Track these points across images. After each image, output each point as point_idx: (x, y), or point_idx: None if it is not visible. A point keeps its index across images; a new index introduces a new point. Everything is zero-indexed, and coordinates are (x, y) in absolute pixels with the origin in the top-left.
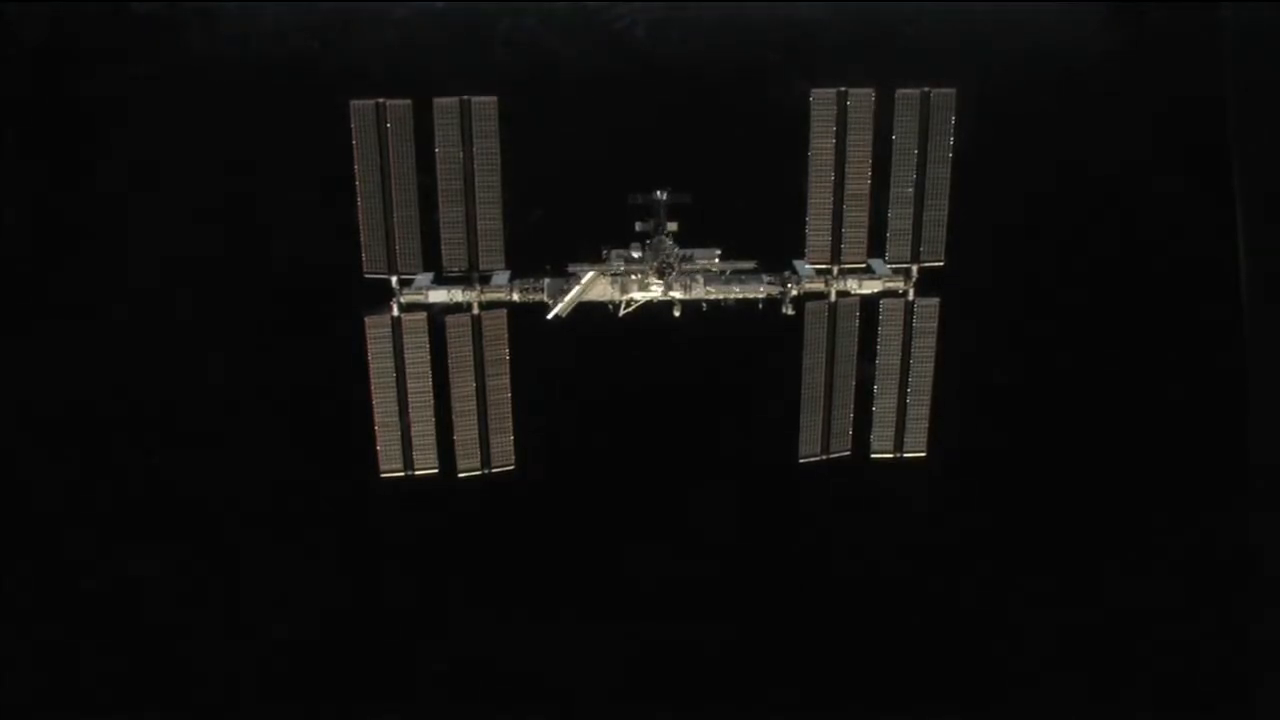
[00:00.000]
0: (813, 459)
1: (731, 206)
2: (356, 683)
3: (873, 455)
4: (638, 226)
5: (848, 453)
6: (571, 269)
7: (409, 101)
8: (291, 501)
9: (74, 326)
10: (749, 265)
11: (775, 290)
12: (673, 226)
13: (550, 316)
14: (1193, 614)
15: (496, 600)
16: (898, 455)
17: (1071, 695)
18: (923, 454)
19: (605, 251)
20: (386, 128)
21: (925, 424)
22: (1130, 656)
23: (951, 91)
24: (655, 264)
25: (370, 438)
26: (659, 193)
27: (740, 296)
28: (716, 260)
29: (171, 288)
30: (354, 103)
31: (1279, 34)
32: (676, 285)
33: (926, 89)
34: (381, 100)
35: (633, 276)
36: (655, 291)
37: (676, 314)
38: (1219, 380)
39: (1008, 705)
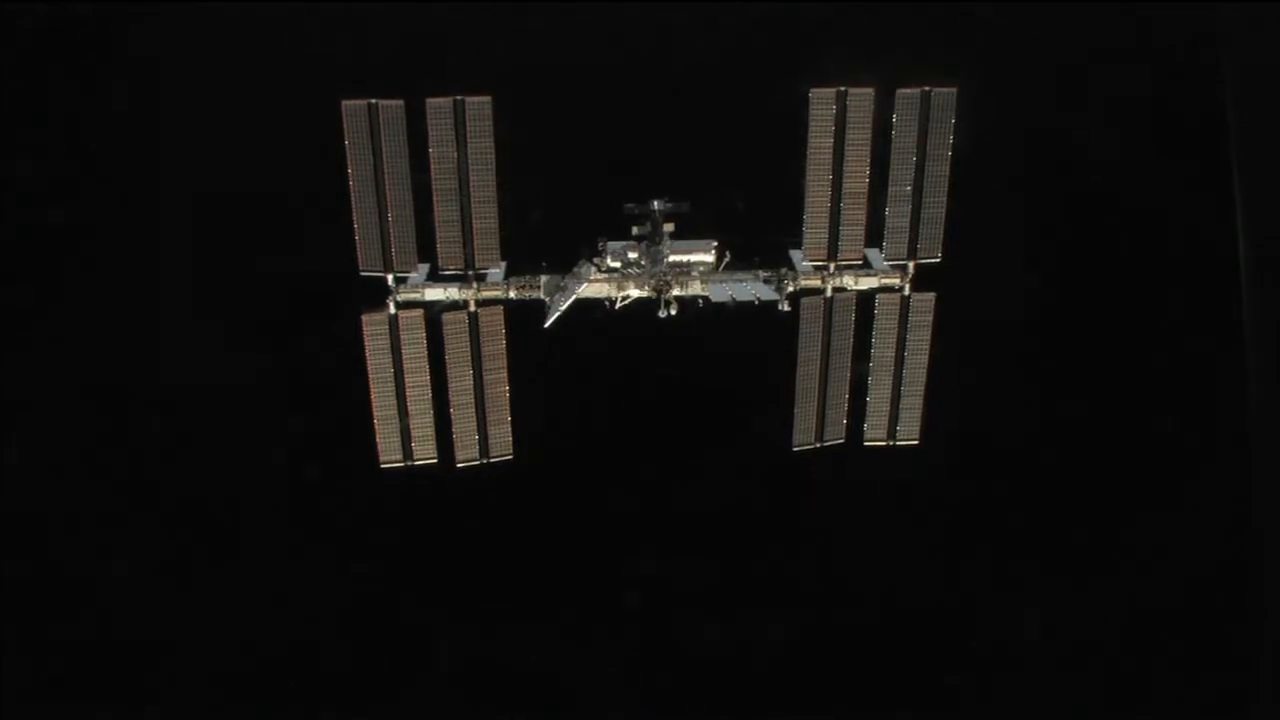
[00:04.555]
0: (807, 447)
1: (730, 204)
2: (356, 681)
3: (866, 443)
4: (634, 230)
5: (841, 441)
6: (564, 281)
7: (401, 102)
8: (290, 497)
9: (73, 326)
10: (747, 276)
11: (771, 287)
12: (670, 228)
13: (547, 325)
14: (1191, 610)
15: (494, 592)
16: (891, 443)
17: (1067, 691)
18: (915, 441)
19: (601, 243)
20: (380, 128)
21: (919, 413)
22: (1127, 653)
23: (952, 91)
24: (652, 281)
25: (370, 432)
26: (655, 202)
27: (736, 299)
28: (712, 254)
29: (170, 286)
30: (346, 103)
31: (1279, 34)
32: (674, 283)
33: (927, 88)
34: (374, 100)
35: (628, 274)
36: (651, 291)
37: (673, 312)
38: (1219, 380)
39: (1004, 701)
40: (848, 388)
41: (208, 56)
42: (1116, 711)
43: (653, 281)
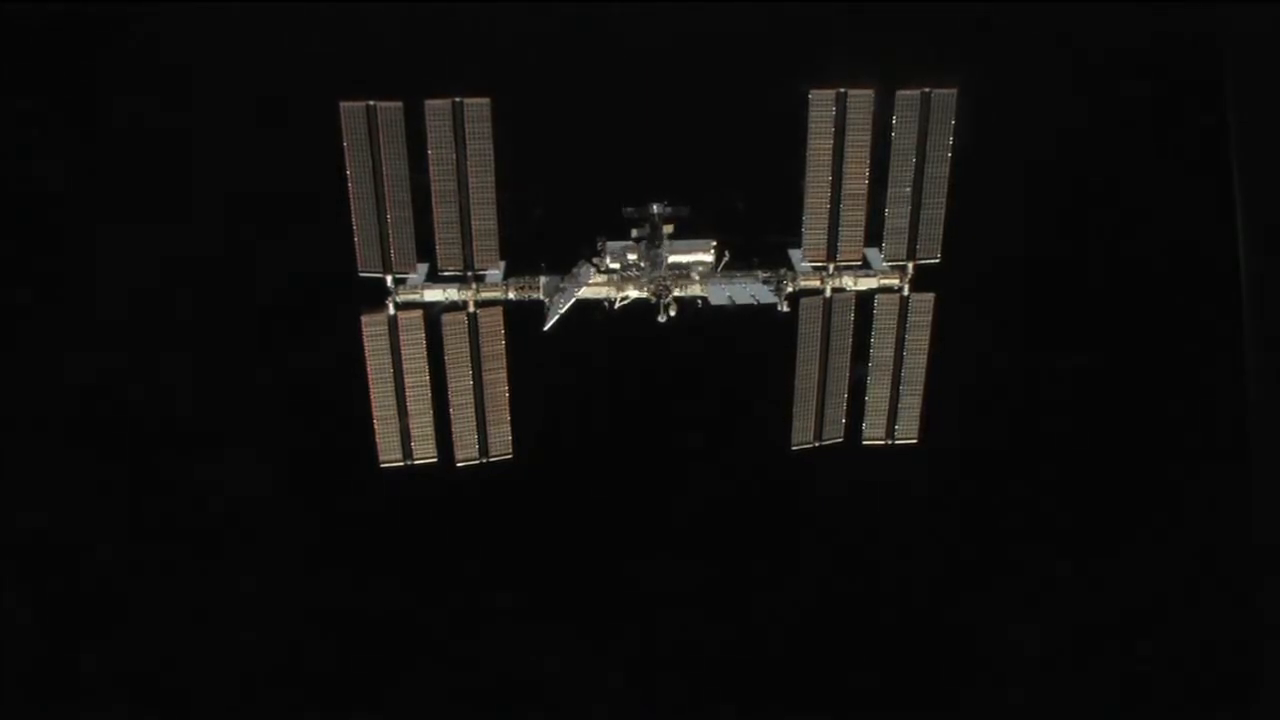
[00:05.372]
0: (805, 446)
1: (729, 204)
2: (355, 680)
3: (865, 442)
4: (634, 234)
5: (840, 440)
6: (563, 282)
7: (399, 103)
8: (290, 496)
9: (72, 326)
10: (746, 276)
11: (770, 288)
12: (669, 230)
13: (546, 328)
14: (1191, 610)
15: (494, 591)
16: (889, 442)
17: (1067, 691)
18: (914, 440)
19: (600, 243)
20: (378, 129)
21: (917, 412)
22: (1127, 652)
23: (953, 92)
24: (652, 286)
25: (369, 431)
26: (655, 206)
27: (735, 301)
28: (711, 254)
29: (170, 286)
30: (344, 104)
31: (1279, 34)
32: (673, 287)
33: (927, 89)
34: (372, 102)
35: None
36: (651, 295)
37: (672, 313)
38: (1219, 380)
39: (1003, 701)
40: (846, 387)
41: (207, 56)
42: (1116, 711)
43: (652, 286)
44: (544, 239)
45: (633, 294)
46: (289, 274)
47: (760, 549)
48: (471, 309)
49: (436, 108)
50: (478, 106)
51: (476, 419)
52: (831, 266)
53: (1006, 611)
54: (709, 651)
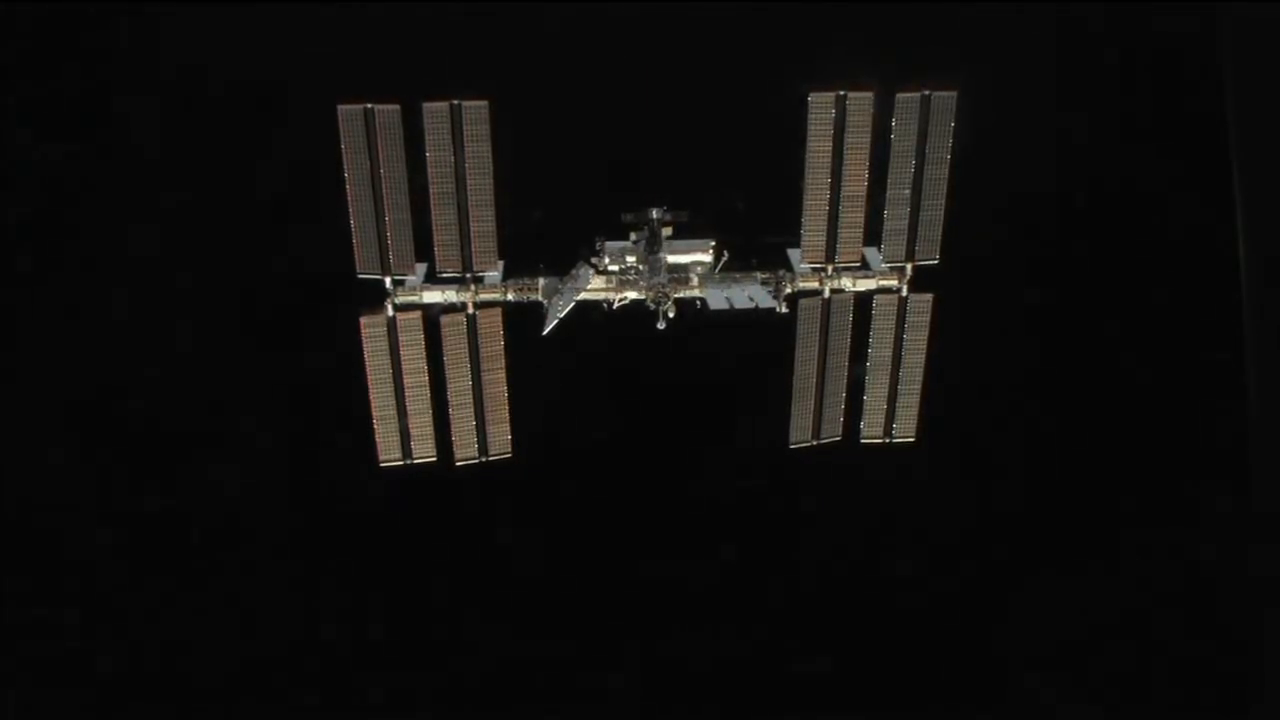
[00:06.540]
0: (804, 444)
1: (729, 204)
2: (355, 680)
3: (863, 440)
4: (633, 237)
5: (838, 438)
6: (562, 283)
7: (397, 106)
8: (290, 497)
9: (72, 326)
10: (745, 277)
11: (769, 290)
12: (668, 232)
13: (545, 332)
14: (1191, 610)
15: (493, 589)
16: (887, 440)
17: (1067, 691)
18: (912, 439)
19: (600, 242)
20: (376, 131)
21: (915, 410)
22: (1127, 653)
23: (952, 94)
24: (651, 293)
25: (369, 432)
26: (653, 211)
27: (734, 304)
28: (710, 254)
29: (170, 287)
30: (341, 106)
31: (1279, 34)
32: (671, 292)
33: (927, 92)
34: (370, 105)
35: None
36: (650, 300)
37: (670, 315)
38: (1219, 380)
39: (1002, 701)
40: (845, 387)
41: (207, 57)
42: (1117, 711)
43: (651, 292)
44: (543, 240)
45: (631, 295)
46: (289, 274)
47: (759, 546)
48: (470, 310)
49: (434, 110)
50: (476, 109)
51: (476, 419)
52: (830, 267)
53: (1005, 610)
54: (709, 650)
